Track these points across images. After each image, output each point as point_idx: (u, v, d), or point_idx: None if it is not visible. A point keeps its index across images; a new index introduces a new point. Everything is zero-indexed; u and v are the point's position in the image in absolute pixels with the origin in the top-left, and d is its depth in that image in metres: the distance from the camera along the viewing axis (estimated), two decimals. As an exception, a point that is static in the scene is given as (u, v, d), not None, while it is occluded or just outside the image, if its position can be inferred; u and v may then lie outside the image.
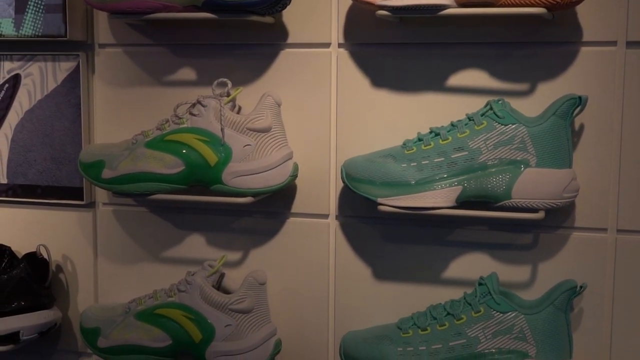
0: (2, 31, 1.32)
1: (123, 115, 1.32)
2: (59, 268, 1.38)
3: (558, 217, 1.15)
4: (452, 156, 1.09)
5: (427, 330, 1.13)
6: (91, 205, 1.36)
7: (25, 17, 1.31)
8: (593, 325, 1.15)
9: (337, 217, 1.24)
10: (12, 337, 1.29)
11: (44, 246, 1.33)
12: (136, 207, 1.33)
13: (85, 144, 1.33)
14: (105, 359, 1.24)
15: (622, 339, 1.15)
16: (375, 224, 1.22)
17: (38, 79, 1.35)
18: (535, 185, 1.07)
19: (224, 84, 1.20)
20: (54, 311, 1.34)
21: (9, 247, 1.34)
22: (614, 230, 1.14)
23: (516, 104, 1.13)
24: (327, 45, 1.23)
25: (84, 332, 1.26)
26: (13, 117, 1.36)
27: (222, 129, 1.17)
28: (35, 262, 1.32)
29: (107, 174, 1.21)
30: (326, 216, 1.24)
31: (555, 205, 1.08)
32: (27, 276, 1.30)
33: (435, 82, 1.18)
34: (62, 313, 1.37)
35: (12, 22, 1.32)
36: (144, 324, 1.21)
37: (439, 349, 1.11)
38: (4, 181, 1.38)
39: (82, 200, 1.34)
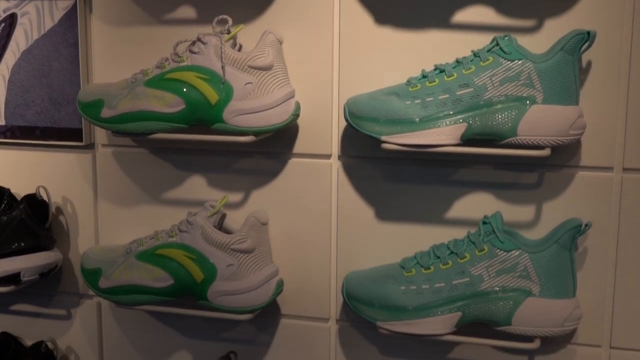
0: (-3, -32, 1.30)
1: (122, 54, 1.29)
2: (59, 210, 1.37)
3: (563, 156, 1.14)
4: (457, 93, 1.08)
5: (430, 269, 1.12)
6: (90, 146, 1.34)
7: (20, -47, 1.28)
8: (597, 263, 1.15)
9: (339, 157, 1.23)
10: (13, 278, 1.29)
11: (44, 188, 1.32)
12: (136, 148, 1.32)
13: (84, 84, 1.31)
14: (107, 299, 1.24)
15: (626, 278, 1.15)
16: (378, 164, 1.21)
17: (35, 18, 1.32)
18: (541, 122, 1.06)
19: (225, 22, 1.17)
20: (55, 253, 1.33)
21: (8, 189, 1.33)
22: (620, 169, 1.13)
23: (522, 41, 1.11)
24: (330, -19, 1.20)
25: (85, 273, 1.25)
26: (10, 57, 1.34)
27: (222, 67, 1.15)
28: (35, 203, 1.31)
29: (106, 113, 1.19)
30: (328, 156, 1.23)
31: (561, 143, 1.06)
32: (27, 217, 1.29)
33: (440, 19, 1.16)
34: (63, 255, 1.37)
35: (7, -42, 1.29)
36: (145, 264, 1.21)
37: (442, 287, 1.11)
38: (2, 123, 1.36)
39: (82, 141, 1.32)
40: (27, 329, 1.42)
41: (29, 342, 1.40)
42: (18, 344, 1.37)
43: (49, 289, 1.40)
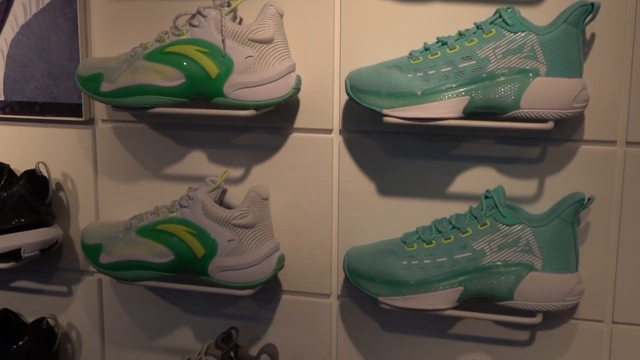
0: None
1: (121, 28, 1.28)
2: (59, 186, 1.36)
3: (566, 130, 1.13)
4: (460, 65, 1.07)
5: (432, 244, 1.12)
6: (90, 122, 1.33)
7: None
8: (600, 238, 1.14)
9: (340, 132, 1.22)
10: (13, 255, 1.28)
11: (43, 163, 1.31)
12: (136, 123, 1.31)
13: (83, 58, 1.30)
14: (107, 275, 1.24)
15: (629, 252, 1.14)
16: (379, 139, 1.20)
17: (33, -8, 1.31)
18: (544, 94, 1.05)
19: (225, -6, 1.16)
20: (55, 229, 1.33)
21: (8, 165, 1.33)
22: (623, 143, 1.12)
23: (525, 13, 1.10)
24: (331, -47, 1.19)
25: (85, 248, 1.25)
26: (8, 32, 1.33)
27: (223, 40, 1.14)
28: (35, 179, 1.30)
29: (105, 87, 1.18)
30: (330, 131, 1.22)
31: (564, 116, 1.05)
32: (27, 193, 1.28)
33: (442, -9, 1.15)
34: (63, 231, 1.36)
35: None
36: (145, 239, 1.20)
37: (443, 262, 1.10)
38: (1, 98, 1.35)
39: (81, 116, 1.32)
40: (28, 306, 1.42)
41: (29, 319, 1.39)
42: (19, 321, 1.37)
43: (49, 265, 1.40)
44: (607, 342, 1.17)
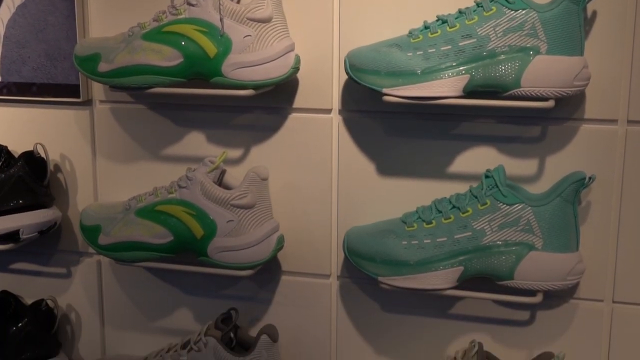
0: None
1: (118, 7, 1.27)
2: (57, 168, 1.36)
3: (567, 108, 1.12)
4: (460, 44, 1.06)
5: (432, 223, 1.11)
6: (88, 103, 1.33)
7: None
8: (600, 217, 1.14)
9: (340, 112, 1.21)
10: (11, 236, 1.28)
11: (41, 145, 1.31)
12: (134, 104, 1.30)
13: (80, 38, 1.29)
14: (106, 256, 1.23)
15: (630, 231, 1.14)
16: (379, 118, 1.20)
17: (29, -28, 1.30)
18: (545, 72, 1.04)
19: (223, -27, 1.15)
20: (54, 210, 1.32)
21: (6, 147, 1.32)
22: (624, 122, 1.11)
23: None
24: None
25: (84, 230, 1.25)
26: (5, 12, 1.32)
27: (221, 19, 1.13)
28: (33, 161, 1.30)
29: (103, 67, 1.17)
30: (329, 111, 1.21)
31: (565, 94, 1.05)
32: (25, 175, 1.28)
33: (442, -31, 1.14)
34: (62, 213, 1.36)
35: None
36: (144, 220, 1.20)
37: (444, 242, 1.10)
38: (-2, 79, 1.35)
39: (79, 97, 1.31)
40: (27, 288, 1.42)
41: (29, 301, 1.39)
42: (18, 302, 1.37)
43: (48, 247, 1.39)
44: (607, 322, 1.17)
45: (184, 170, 1.21)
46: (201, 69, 1.15)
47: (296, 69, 1.17)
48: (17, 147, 1.34)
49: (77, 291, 1.40)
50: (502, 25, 1.05)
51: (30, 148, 1.30)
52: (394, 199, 1.20)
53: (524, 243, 1.08)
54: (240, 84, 1.14)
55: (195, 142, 1.28)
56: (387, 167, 1.21)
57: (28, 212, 1.28)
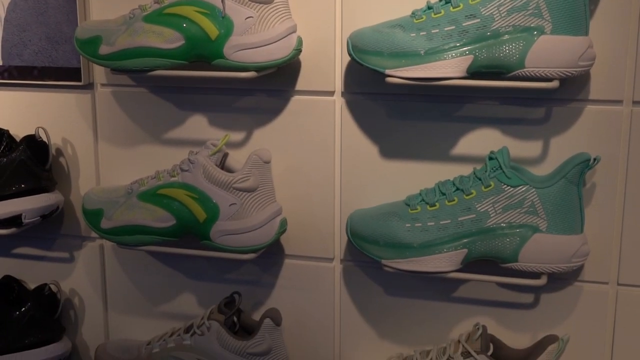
0: None
1: (119, -10, 1.27)
2: (59, 152, 1.35)
3: (571, 89, 1.11)
4: (464, 24, 1.05)
5: (435, 206, 1.11)
6: (89, 86, 1.32)
7: None
8: (605, 199, 1.13)
9: (342, 94, 1.20)
10: (14, 221, 1.28)
11: (43, 129, 1.30)
12: (136, 87, 1.29)
13: (81, 21, 1.28)
14: (109, 240, 1.23)
15: (635, 213, 1.13)
16: (382, 100, 1.19)
17: (30, -46, 1.29)
18: (549, 53, 1.03)
19: (224, -46, 1.14)
20: (56, 194, 1.32)
21: (7, 130, 1.31)
22: (629, 102, 1.10)
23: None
24: None
25: (86, 214, 1.24)
26: (5, -5, 1.31)
27: (222, 0, 1.12)
28: (35, 145, 1.29)
29: (104, 49, 1.17)
30: (331, 93, 1.21)
31: (570, 74, 1.04)
32: (27, 159, 1.27)
33: (445, -51, 1.12)
34: (64, 197, 1.35)
35: None
36: (147, 204, 1.19)
37: (447, 224, 1.09)
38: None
39: (80, 81, 1.30)
40: (30, 272, 1.42)
41: (32, 285, 1.39)
42: (21, 287, 1.37)
43: (50, 231, 1.39)
44: (612, 304, 1.16)
45: (186, 153, 1.20)
46: (203, 51, 1.14)
47: (298, 50, 1.16)
48: (18, 131, 1.33)
49: (80, 275, 1.40)
50: (506, 5, 1.04)
51: (32, 132, 1.30)
52: (397, 181, 1.20)
53: (528, 225, 1.07)
54: (242, 66, 1.13)
55: (197, 125, 1.27)
56: (390, 149, 1.20)
57: (30, 197, 1.28)
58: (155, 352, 1.25)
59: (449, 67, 1.05)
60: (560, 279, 1.16)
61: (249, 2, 1.12)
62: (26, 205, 1.28)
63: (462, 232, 1.09)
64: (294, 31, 1.15)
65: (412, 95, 1.17)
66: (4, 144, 1.30)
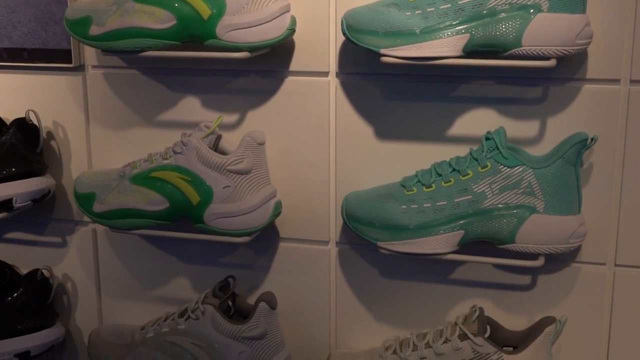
0: None
1: (109, -30, 1.24)
2: (50, 135, 1.33)
3: (568, 68, 1.10)
4: (459, 2, 1.03)
5: (431, 187, 1.10)
6: (80, 68, 1.30)
7: None
8: (603, 179, 1.12)
9: (337, 75, 1.19)
10: (4, 205, 1.26)
11: (33, 111, 1.28)
12: (127, 69, 1.28)
13: (71, 1, 1.26)
14: (101, 224, 1.22)
15: (632, 194, 1.12)
16: (377, 81, 1.17)
17: None
18: (547, 31, 1.02)
19: None
20: (47, 178, 1.30)
21: (-3, 114, 1.30)
22: (627, 81, 1.09)
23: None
24: None
25: (78, 197, 1.23)
26: (-7, -24, 1.29)
27: (214, -20, 1.10)
28: (25, 128, 1.27)
29: (94, 30, 1.15)
30: (326, 74, 1.19)
31: (567, 53, 1.02)
32: (17, 142, 1.26)
33: None
34: (56, 181, 1.34)
35: None
36: (139, 187, 1.18)
37: (444, 205, 1.08)
38: (-12, 45, 1.32)
39: (71, 62, 1.28)
40: (22, 257, 1.40)
41: (24, 271, 1.38)
42: (13, 272, 1.36)
43: (42, 216, 1.38)
44: (609, 285, 1.15)
45: (179, 135, 1.19)
46: (195, 31, 1.12)
47: (292, 30, 1.14)
48: (8, 114, 1.32)
49: (73, 260, 1.38)
50: (502, -17, 1.02)
51: (22, 115, 1.28)
52: (393, 162, 1.19)
53: (525, 206, 1.06)
54: (235, 47, 1.12)
55: (190, 107, 1.26)
56: (385, 130, 1.19)
57: (21, 180, 1.26)
58: (150, 337, 1.24)
59: (445, 46, 1.04)
60: (558, 260, 1.16)
61: (242, -19, 1.10)
62: (17, 190, 1.26)
63: (459, 213, 1.08)
64: (288, 10, 1.14)
65: (408, 75, 1.16)
66: (-6, 127, 1.29)
